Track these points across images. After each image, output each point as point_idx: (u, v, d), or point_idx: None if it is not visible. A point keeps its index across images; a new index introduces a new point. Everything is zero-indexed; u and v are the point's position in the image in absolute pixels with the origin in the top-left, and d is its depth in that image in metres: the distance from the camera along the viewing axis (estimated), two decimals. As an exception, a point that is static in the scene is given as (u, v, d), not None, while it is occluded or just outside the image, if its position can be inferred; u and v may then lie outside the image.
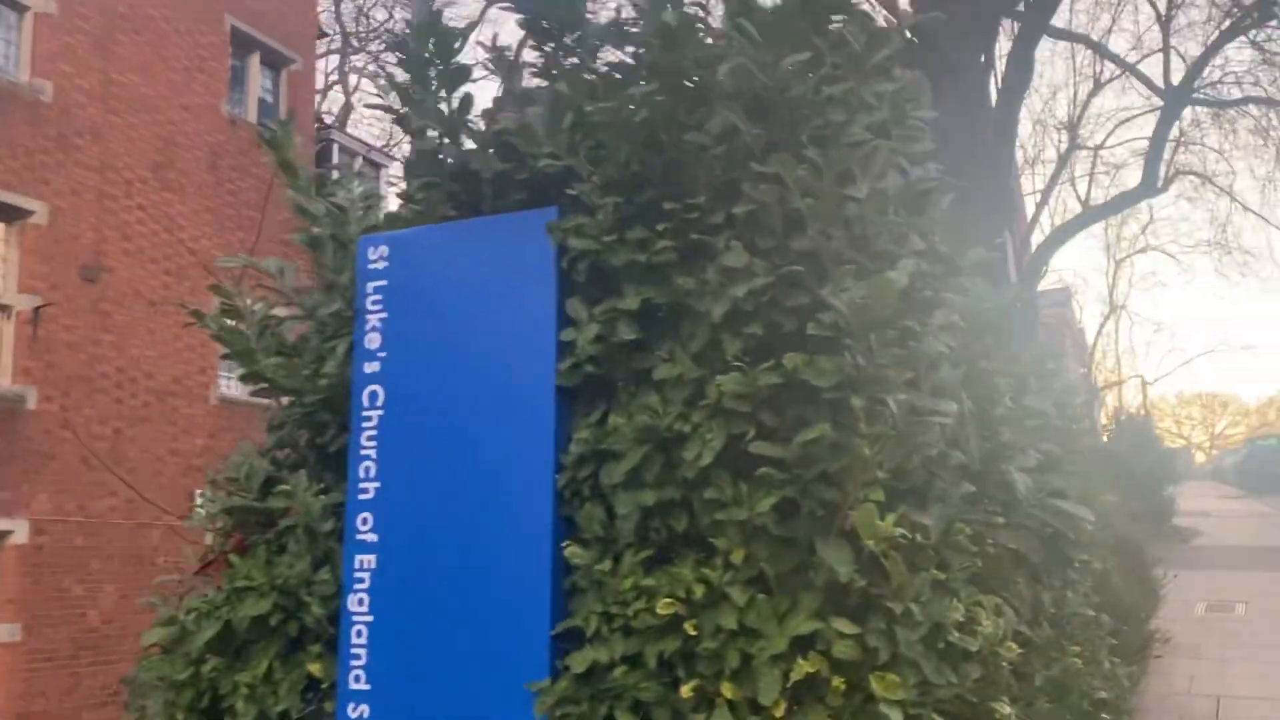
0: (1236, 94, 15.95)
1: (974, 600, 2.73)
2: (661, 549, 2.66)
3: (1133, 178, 16.15)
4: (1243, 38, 14.31)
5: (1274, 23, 14.16)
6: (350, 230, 3.30)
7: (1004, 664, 2.70)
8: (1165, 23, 15.20)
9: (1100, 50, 17.36)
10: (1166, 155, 15.99)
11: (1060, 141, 21.81)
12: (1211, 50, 14.21)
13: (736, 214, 2.66)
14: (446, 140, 3.06)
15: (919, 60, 12.87)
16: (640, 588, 2.59)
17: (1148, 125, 16.13)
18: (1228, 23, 13.81)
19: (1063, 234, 17.47)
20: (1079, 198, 19.52)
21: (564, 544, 2.71)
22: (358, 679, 2.89)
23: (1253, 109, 15.66)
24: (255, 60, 15.41)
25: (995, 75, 11.65)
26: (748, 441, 2.48)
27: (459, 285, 2.98)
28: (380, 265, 3.11)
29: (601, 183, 2.77)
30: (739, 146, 2.66)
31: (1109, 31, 26.59)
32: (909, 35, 12.95)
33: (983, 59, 11.47)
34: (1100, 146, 22.26)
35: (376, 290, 3.10)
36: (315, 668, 2.99)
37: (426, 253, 3.06)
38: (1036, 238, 19.88)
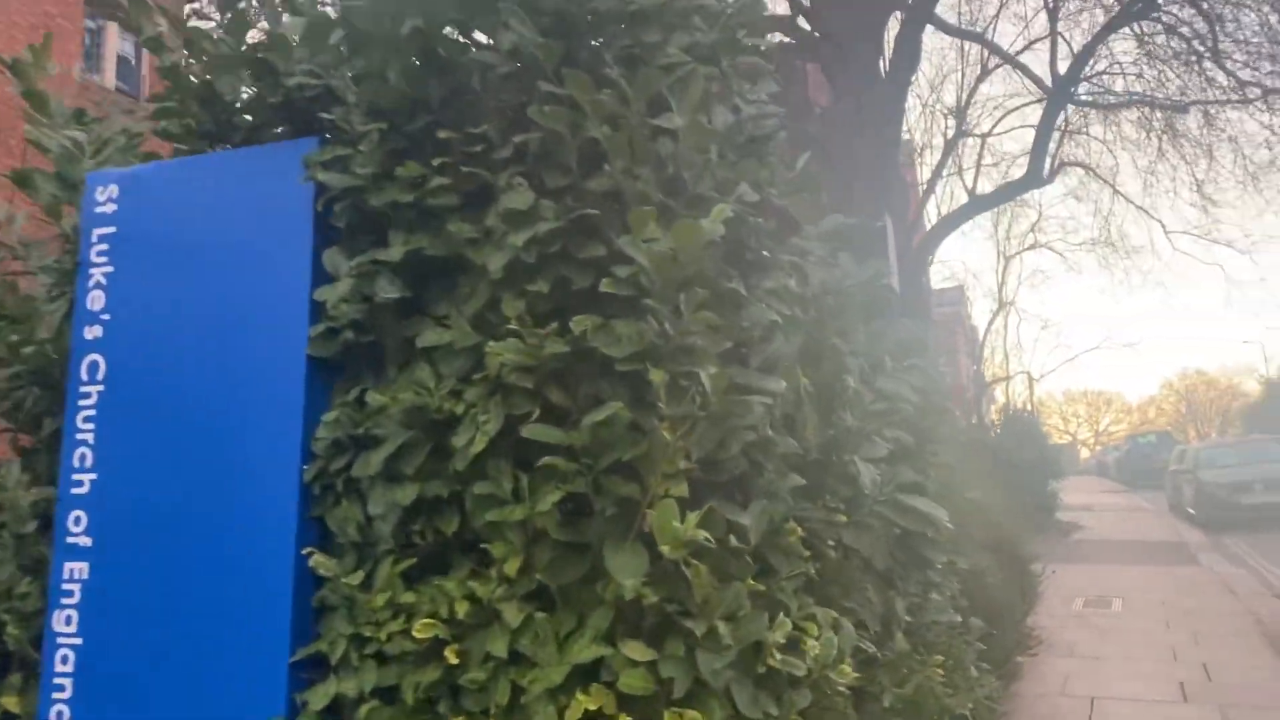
0: (1121, 85, 16.14)
1: (807, 614, 2.31)
2: (429, 557, 2.17)
3: (1022, 171, 16.20)
4: (1126, 30, 14.45)
5: (1158, 15, 14.35)
6: (81, 168, 2.71)
7: (840, 688, 2.29)
8: (1053, 11, 15.21)
9: (984, 42, 17.37)
10: (1053, 147, 16.08)
11: (947, 128, 21.81)
12: (1096, 41, 14.31)
13: (528, 147, 2.19)
14: (189, 58, 2.51)
15: (812, 43, 12.65)
16: (397, 605, 2.10)
17: (1036, 113, 16.17)
18: (1116, 8, 13.87)
19: (950, 223, 17.46)
20: (966, 188, 19.57)
21: (307, 550, 2.20)
22: (60, 716, 2.33)
23: (1140, 95, 15.87)
24: (112, 23, 14.33)
25: (885, 59, 11.47)
26: (530, 424, 2.02)
27: (199, 233, 2.44)
28: (109, 209, 2.54)
29: (365, 107, 2.26)
30: (532, 66, 2.19)
31: (996, 16, 26.91)
32: (805, 24, 12.74)
33: (873, 42, 11.28)
34: (988, 134, 22.35)
35: (103, 239, 2.53)
36: (11, 701, 2.41)
37: (162, 194, 2.51)
38: (926, 226, 19.89)
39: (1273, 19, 14.22)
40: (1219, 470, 19.73)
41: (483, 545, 2.06)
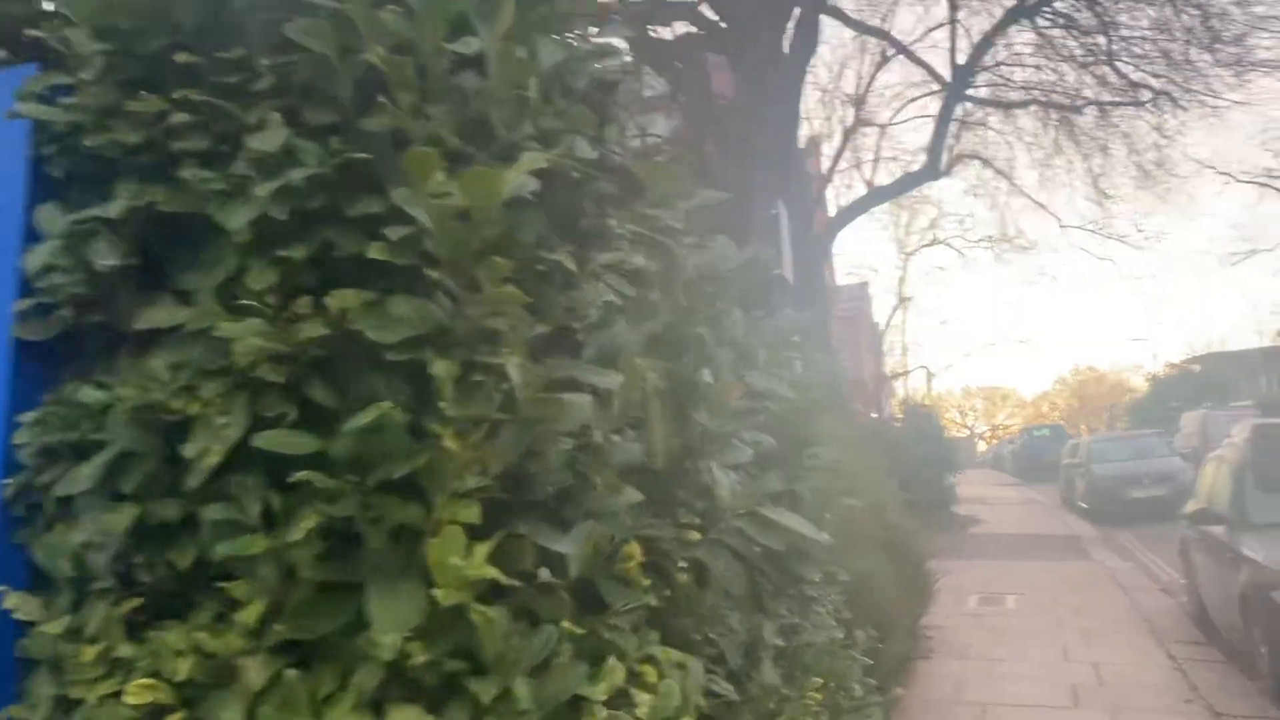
0: (1021, 78, 16.23)
1: (646, 656, 1.92)
2: (162, 599, 1.70)
3: (920, 165, 16.14)
4: (1026, 21, 14.52)
5: (1053, 11, 14.43)
6: None
7: (684, 742, 1.90)
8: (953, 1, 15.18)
9: (881, 34, 17.28)
10: (951, 140, 16.10)
11: (846, 117, 21.65)
12: (994, 32, 14.36)
13: (291, 78, 1.73)
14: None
15: (717, 32, 12.35)
16: (113, 660, 1.63)
17: (936, 105, 16.08)
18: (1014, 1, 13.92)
19: (848, 214, 17.38)
20: (865, 180, 19.41)
21: (1, 588, 1.71)
22: None
23: (1036, 93, 16.02)
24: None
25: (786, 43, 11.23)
26: (271, 431, 1.57)
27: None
28: None
29: (87, 24, 1.78)
30: (301, -24, 1.73)
31: (896, 2, 26.92)
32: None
33: (776, 29, 11.04)
34: (888, 124, 22.30)
35: None
36: None
37: None
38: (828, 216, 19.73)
39: (1166, 17, 14.45)
40: (1109, 464, 20.19)
41: (220, 585, 1.61)
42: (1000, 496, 27.05)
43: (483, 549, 1.50)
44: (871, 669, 4.55)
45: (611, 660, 1.78)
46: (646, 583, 1.95)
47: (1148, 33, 15.54)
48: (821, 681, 3.25)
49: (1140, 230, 37.64)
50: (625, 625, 1.90)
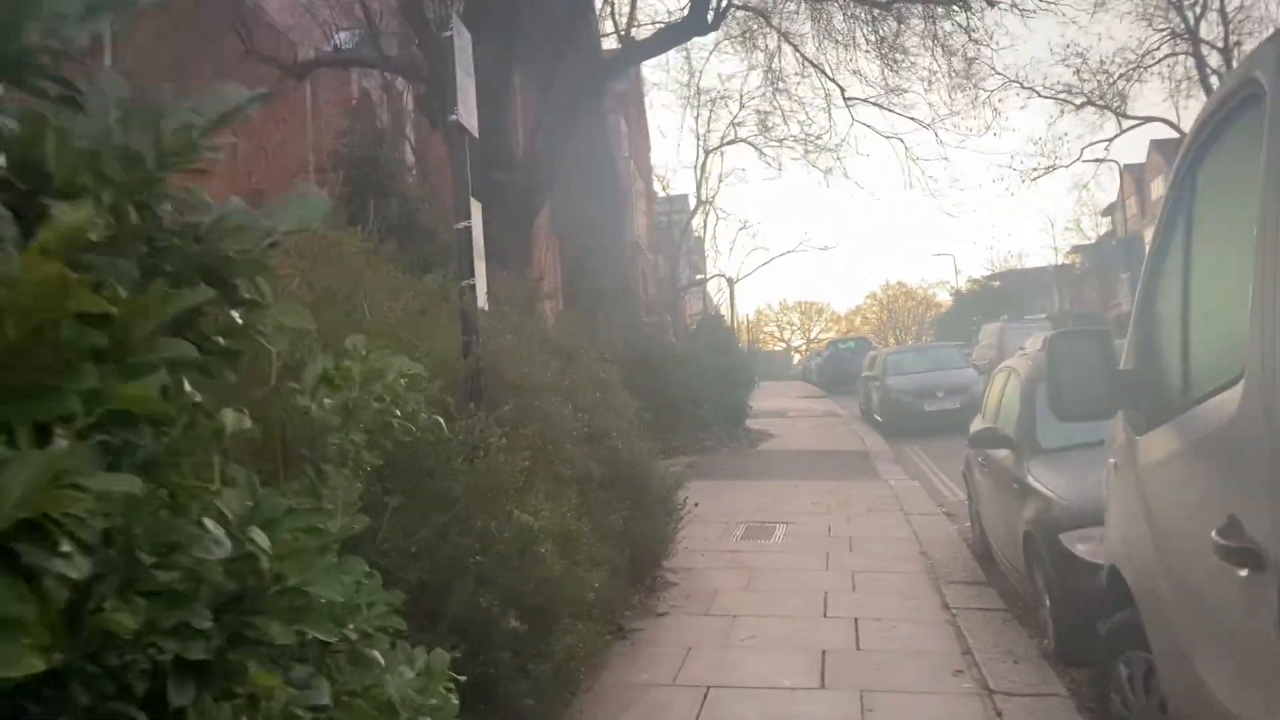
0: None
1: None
2: None
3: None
4: None
5: None
6: None
7: None
8: None
9: None
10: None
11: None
12: None
13: None
14: None
15: None
16: None
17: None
18: None
19: (615, 67, 15.28)
20: (618, 32, 16.58)
21: None
22: None
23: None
24: None
25: None
26: None
27: None
28: None
29: None
30: None
31: None
32: None
33: None
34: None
35: None
36: None
37: None
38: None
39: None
40: (904, 377, 19.68)
41: None
42: (801, 409, 26.61)
43: None
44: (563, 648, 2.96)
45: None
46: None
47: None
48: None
49: (932, 106, 37.25)
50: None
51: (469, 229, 4.93)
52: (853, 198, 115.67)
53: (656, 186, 40.48)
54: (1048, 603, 5.09)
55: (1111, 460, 3.61)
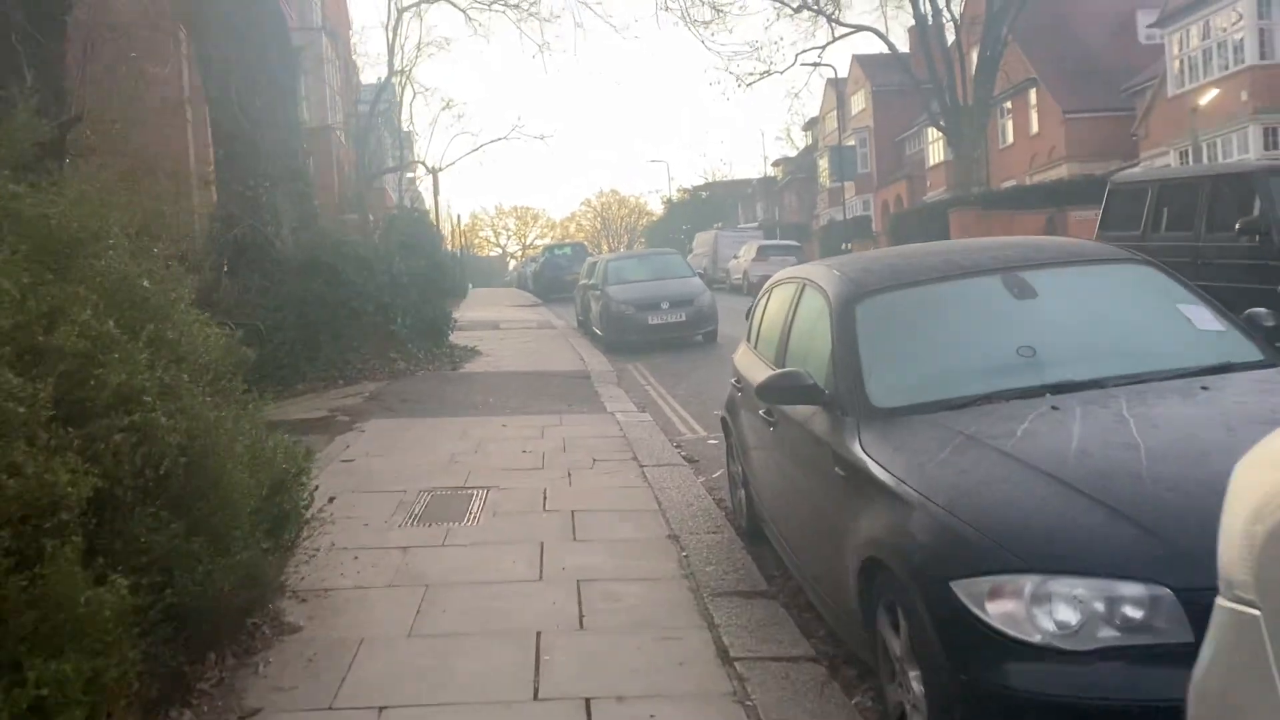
0: None
1: None
2: None
3: None
4: None
5: None
6: None
7: None
8: None
9: None
10: None
11: None
12: None
13: None
14: None
15: None
16: None
17: None
18: None
19: None
20: None
21: None
22: None
23: None
24: None
25: None
26: None
27: None
28: None
29: None
30: None
31: None
32: None
33: None
34: None
35: None
36: None
37: None
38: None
39: None
40: (626, 286, 17.67)
41: None
42: (516, 319, 24.21)
43: None
44: None
45: None
46: None
47: None
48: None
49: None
50: None
51: None
52: (576, 87, 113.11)
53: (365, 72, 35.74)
54: (919, 691, 2.95)
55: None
